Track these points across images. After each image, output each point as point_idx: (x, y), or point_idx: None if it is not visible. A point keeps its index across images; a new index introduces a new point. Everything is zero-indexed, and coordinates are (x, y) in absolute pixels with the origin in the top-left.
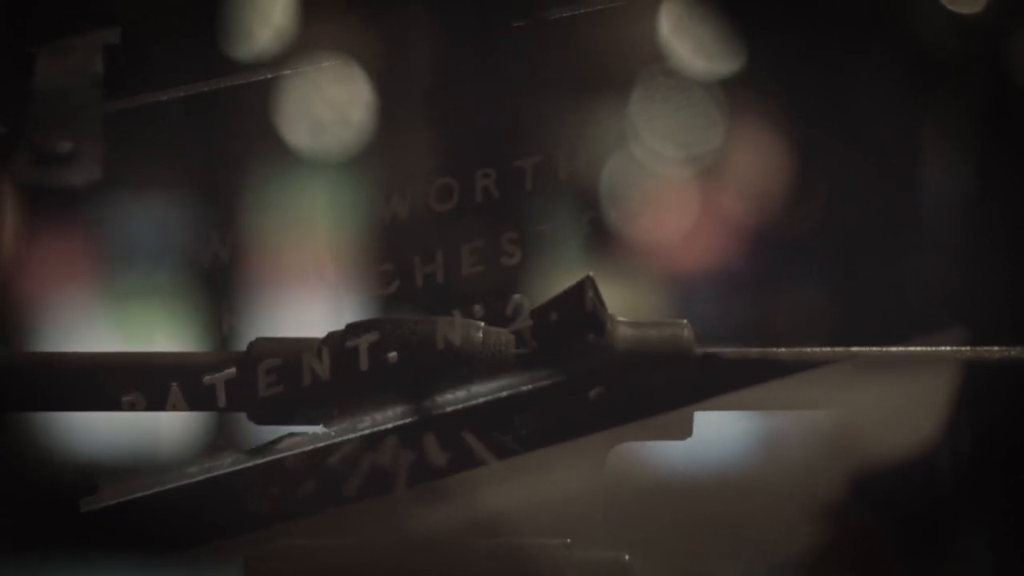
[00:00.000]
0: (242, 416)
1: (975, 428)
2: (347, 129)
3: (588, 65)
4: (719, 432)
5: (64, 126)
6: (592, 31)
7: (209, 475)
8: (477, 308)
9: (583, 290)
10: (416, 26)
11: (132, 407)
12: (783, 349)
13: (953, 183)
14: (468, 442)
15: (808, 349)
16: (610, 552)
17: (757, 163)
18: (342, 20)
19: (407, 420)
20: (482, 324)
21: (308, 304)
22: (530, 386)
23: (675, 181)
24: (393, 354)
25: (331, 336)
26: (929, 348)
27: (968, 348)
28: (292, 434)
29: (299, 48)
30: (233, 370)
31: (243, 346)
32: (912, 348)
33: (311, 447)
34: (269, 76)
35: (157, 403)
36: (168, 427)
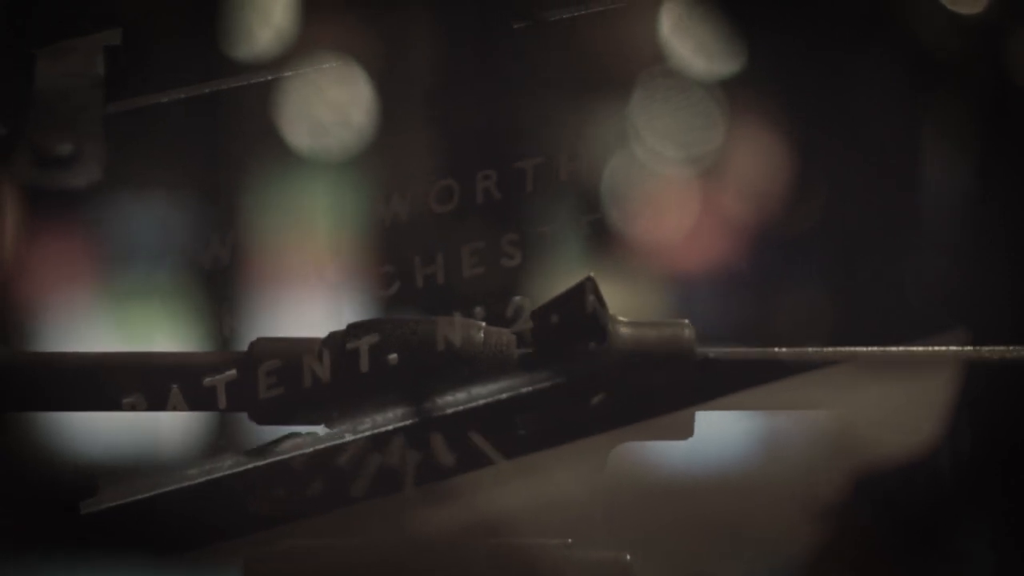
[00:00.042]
0: (243, 416)
1: (975, 428)
2: (348, 130)
3: (588, 66)
4: (720, 432)
5: (65, 127)
6: (592, 32)
7: (210, 477)
8: (478, 310)
9: (584, 291)
10: (417, 27)
11: (133, 407)
12: (784, 349)
13: (953, 183)
14: (469, 443)
15: (808, 349)
16: (611, 552)
17: (757, 163)
18: (343, 21)
19: (408, 421)
20: (483, 324)
21: (309, 305)
22: (531, 387)
23: (675, 181)
24: (394, 355)
25: (332, 336)
26: (929, 348)
27: (968, 348)
28: (293, 434)
29: (300, 49)
30: (234, 372)
31: (244, 346)
32: (912, 348)
33: (312, 448)
34: (270, 77)
35: (158, 403)
36: (169, 427)
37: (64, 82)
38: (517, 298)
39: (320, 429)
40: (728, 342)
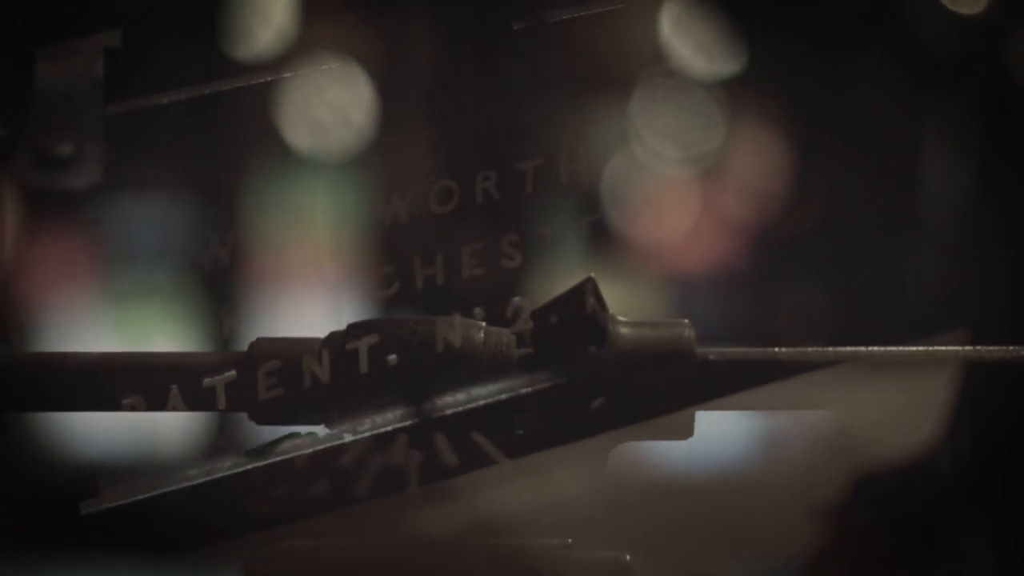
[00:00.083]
0: (243, 416)
1: (975, 428)
2: (347, 131)
3: (588, 67)
4: (720, 432)
5: (65, 128)
6: (592, 33)
7: (210, 477)
8: (477, 310)
9: (584, 291)
10: (416, 28)
11: (133, 407)
12: (784, 349)
13: (953, 183)
14: (470, 443)
15: (809, 349)
16: (611, 552)
17: (757, 163)
18: (342, 22)
19: (408, 421)
20: (483, 324)
21: (309, 306)
22: (531, 387)
23: (675, 181)
24: (393, 356)
25: (332, 336)
26: (929, 348)
27: (968, 348)
28: (293, 435)
29: (300, 50)
30: (233, 373)
31: (244, 347)
32: (913, 348)
33: (311, 449)
34: (269, 78)
35: (157, 403)
36: (168, 427)
37: (64, 83)
38: (517, 299)
39: (320, 429)
40: (728, 342)
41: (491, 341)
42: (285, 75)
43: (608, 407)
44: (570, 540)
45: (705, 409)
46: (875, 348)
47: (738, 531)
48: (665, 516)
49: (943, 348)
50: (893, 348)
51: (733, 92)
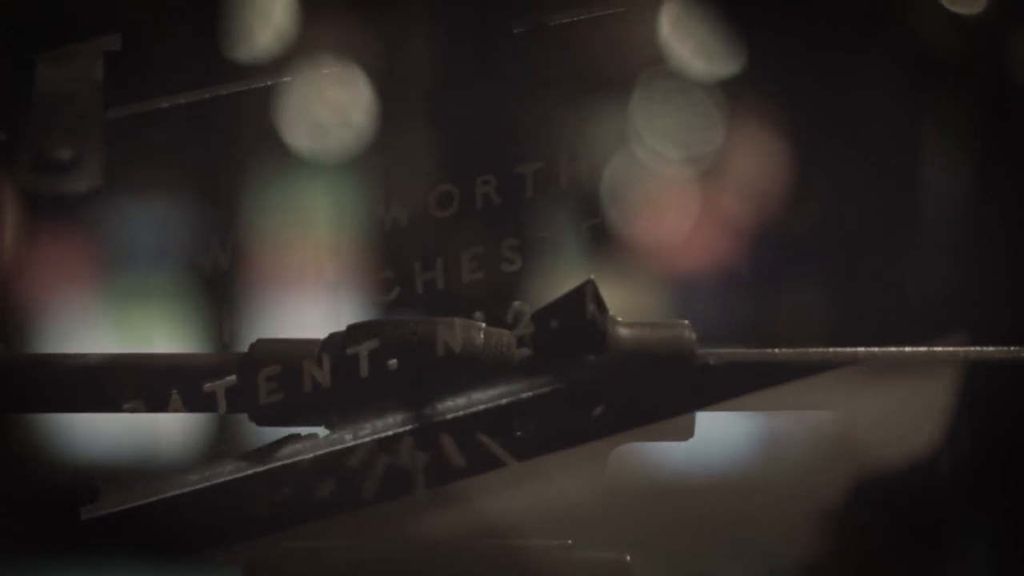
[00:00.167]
0: (243, 416)
1: (975, 428)
2: (347, 135)
3: (587, 70)
4: (720, 433)
5: (65, 133)
6: (592, 36)
7: (210, 483)
8: (478, 315)
9: (584, 292)
10: (417, 32)
11: (133, 408)
12: (784, 350)
13: (953, 183)
14: (471, 445)
15: (809, 350)
16: (611, 553)
17: (758, 165)
18: (342, 26)
19: (409, 423)
20: (483, 325)
21: (309, 311)
22: (531, 388)
23: (676, 183)
24: (393, 361)
25: (332, 338)
26: (930, 348)
27: (968, 348)
28: (294, 436)
29: (300, 55)
30: (234, 378)
31: (244, 347)
32: (913, 349)
33: (312, 455)
34: (269, 83)
35: (158, 404)
36: (169, 428)
37: (65, 87)
38: (517, 303)
39: (320, 430)
40: (729, 343)
41: (491, 342)
42: (286, 79)
43: (609, 410)
44: (570, 541)
45: (705, 410)
46: (875, 349)
47: (738, 531)
48: (665, 516)
49: (943, 349)
50: (893, 349)
51: (733, 93)
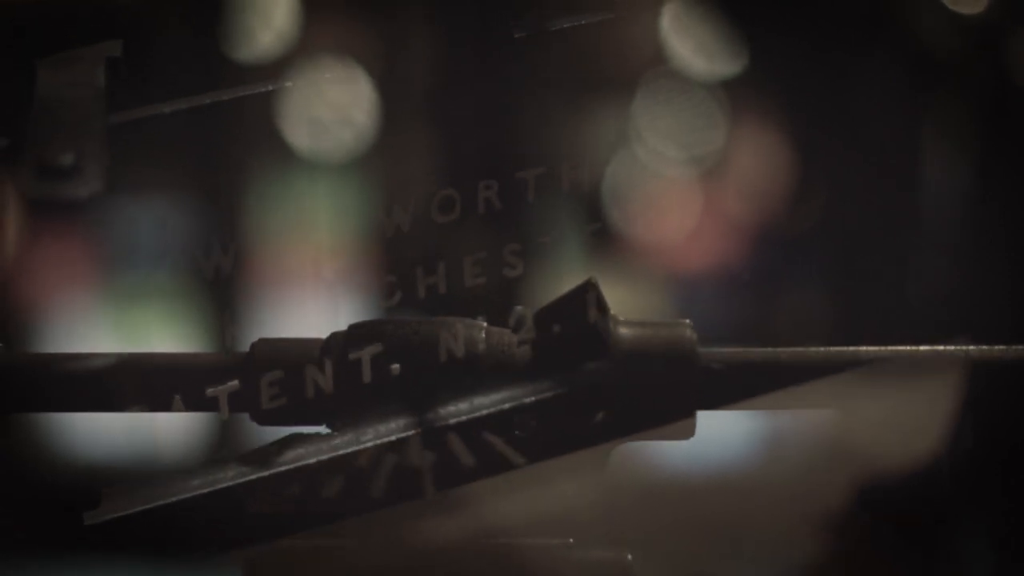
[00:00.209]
0: (244, 415)
1: (976, 428)
2: (349, 140)
3: (589, 73)
4: (720, 433)
5: (66, 138)
6: (594, 41)
7: (212, 488)
8: (480, 319)
9: (586, 292)
10: (419, 37)
11: (133, 408)
12: (785, 349)
13: (953, 183)
14: (474, 446)
15: (809, 349)
16: (612, 552)
17: (759, 165)
18: (344, 31)
19: (412, 423)
20: (484, 325)
21: (310, 316)
22: (533, 387)
23: (677, 186)
24: (396, 366)
25: (333, 337)
26: (930, 348)
27: (968, 348)
28: (295, 436)
29: (302, 60)
30: (236, 383)
31: (245, 346)
32: (913, 348)
33: (315, 460)
34: (271, 88)
35: (158, 404)
36: (170, 427)
37: (66, 93)
38: (519, 308)
39: (322, 429)
40: (730, 342)
41: (493, 341)
42: (287, 84)
43: (611, 411)
44: (571, 540)
45: (706, 409)
46: (876, 348)
47: (739, 531)
48: (666, 516)
49: (943, 348)
50: (894, 348)
51: (733, 94)
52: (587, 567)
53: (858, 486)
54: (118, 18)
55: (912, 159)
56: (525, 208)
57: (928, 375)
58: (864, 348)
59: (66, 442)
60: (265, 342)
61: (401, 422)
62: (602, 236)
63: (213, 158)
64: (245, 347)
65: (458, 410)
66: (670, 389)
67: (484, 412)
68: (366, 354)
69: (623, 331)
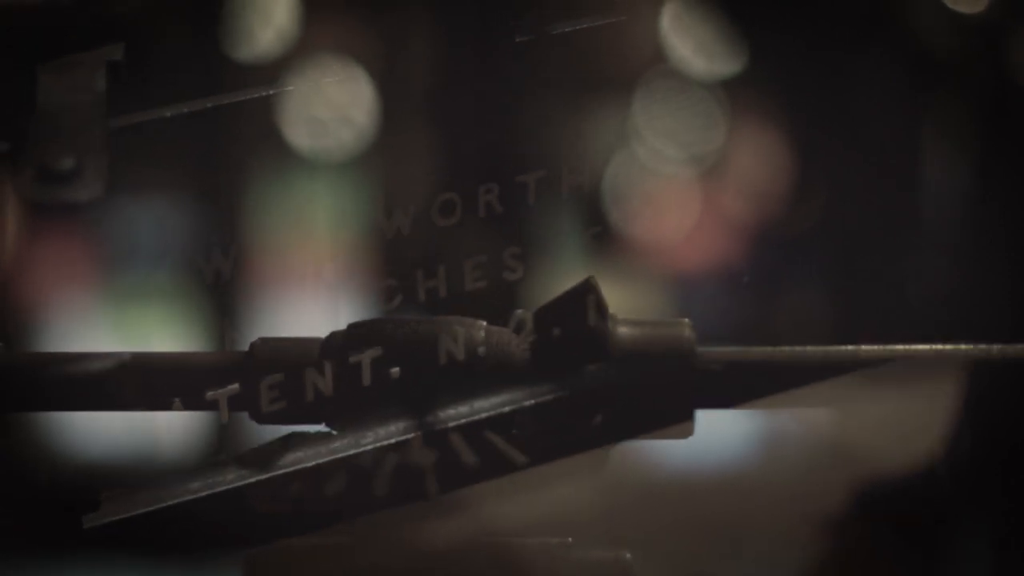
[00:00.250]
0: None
1: (976, 427)
2: (349, 143)
3: (589, 74)
4: (720, 432)
5: (67, 142)
6: (593, 43)
7: (212, 490)
8: (480, 322)
9: (585, 291)
10: (419, 40)
11: (134, 407)
12: (785, 349)
13: (953, 183)
14: (476, 447)
15: (809, 349)
16: (611, 551)
17: (758, 166)
18: (344, 34)
19: (412, 422)
20: (484, 323)
21: (311, 319)
22: (532, 387)
23: (677, 186)
24: (396, 370)
25: (333, 337)
26: (930, 347)
27: (968, 347)
28: (295, 434)
29: (302, 63)
30: (236, 386)
31: (244, 346)
32: (913, 347)
33: (314, 463)
34: (270, 92)
35: (158, 404)
36: (169, 426)
37: (67, 97)
38: (519, 311)
39: (321, 427)
40: (729, 342)
41: (492, 340)
42: (288, 88)
43: (610, 411)
44: (570, 539)
45: (706, 408)
46: (875, 347)
47: (740, 531)
48: (665, 515)
49: (943, 347)
50: (894, 347)
51: (733, 95)
52: (586, 567)
53: (858, 485)
54: (119, 22)
55: (912, 159)
56: (525, 211)
57: (928, 375)
58: (864, 348)
59: (66, 442)
60: (265, 341)
61: (401, 422)
62: (603, 238)
63: (213, 160)
64: (245, 347)
65: (458, 411)
66: (669, 388)
67: (484, 414)
68: (366, 354)
69: (622, 330)
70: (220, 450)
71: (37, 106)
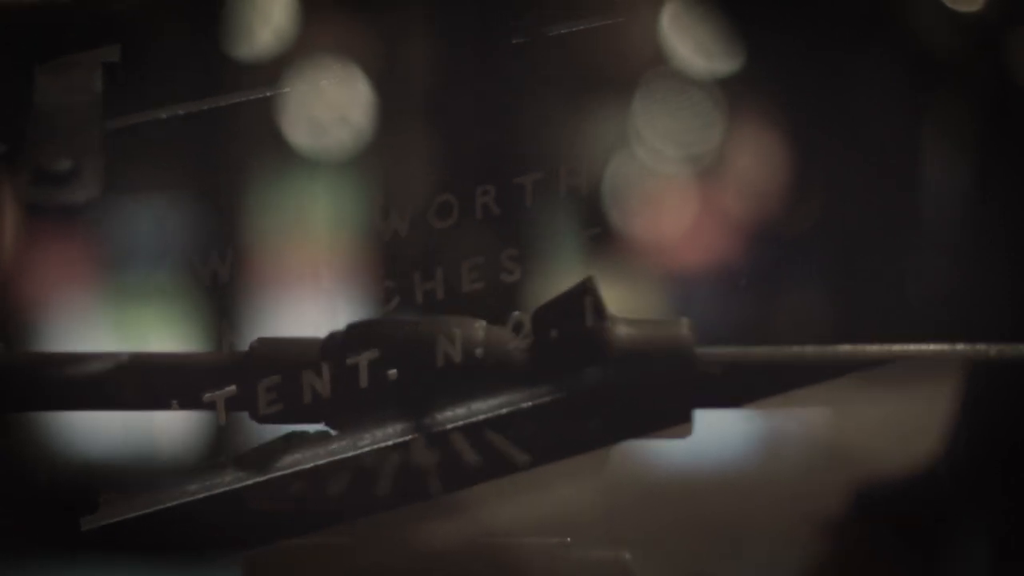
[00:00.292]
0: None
1: (976, 427)
2: (346, 145)
3: (588, 75)
4: (720, 432)
5: (64, 144)
6: (593, 43)
7: (211, 492)
8: (478, 324)
9: (583, 291)
10: (417, 42)
11: (133, 407)
12: (784, 349)
13: (953, 183)
14: (476, 448)
15: (809, 349)
16: (611, 551)
17: (758, 166)
18: (342, 36)
19: (410, 423)
20: (483, 323)
21: (308, 321)
22: (532, 387)
23: (677, 186)
24: (394, 371)
25: (332, 337)
26: (930, 347)
27: (968, 347)
28: (294, 434)
29: (300, 65)
30: (233, 388)
31: (244, 345)
32: (913, 347)
33: (313, 464)
34: (269, 93)
35: (158, 403)
36: (169, 425)
37: (63, 99)
38: (517, 313)
39: (320, 426)
40: (728, 342)
41: (491, 340)
42: (285, 89)
43: (609, 411)
44: (569, 539)
45: (705, 408)
46: (875, 347)
47: (739, 531)
48: (665, 515)
49: (943, 347)
50: (893, 347)
51: (732, 95)
52: (586, 566)
53: (858, 485)
54: (115, 23)
55: (912, 159)
56: (523, 213)
57: (928, 375)
58: (864, 348)
59: (66, 442)
60: (263, 342)
61: (399, 422)
62: (601, 239)
63: (210, 161)
64: (244, 347)
65: (456, 412)
66: (668, 388)
67: (483, 415)
68: (364, 355)
69: (620, 330)
70: (220, 450)
71: (34, 107)
